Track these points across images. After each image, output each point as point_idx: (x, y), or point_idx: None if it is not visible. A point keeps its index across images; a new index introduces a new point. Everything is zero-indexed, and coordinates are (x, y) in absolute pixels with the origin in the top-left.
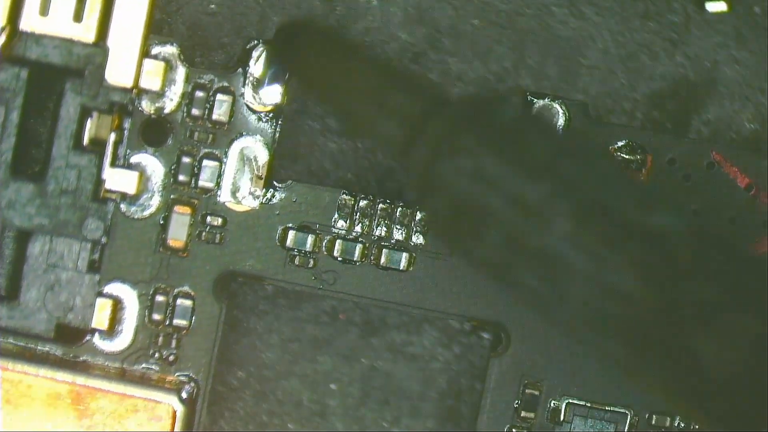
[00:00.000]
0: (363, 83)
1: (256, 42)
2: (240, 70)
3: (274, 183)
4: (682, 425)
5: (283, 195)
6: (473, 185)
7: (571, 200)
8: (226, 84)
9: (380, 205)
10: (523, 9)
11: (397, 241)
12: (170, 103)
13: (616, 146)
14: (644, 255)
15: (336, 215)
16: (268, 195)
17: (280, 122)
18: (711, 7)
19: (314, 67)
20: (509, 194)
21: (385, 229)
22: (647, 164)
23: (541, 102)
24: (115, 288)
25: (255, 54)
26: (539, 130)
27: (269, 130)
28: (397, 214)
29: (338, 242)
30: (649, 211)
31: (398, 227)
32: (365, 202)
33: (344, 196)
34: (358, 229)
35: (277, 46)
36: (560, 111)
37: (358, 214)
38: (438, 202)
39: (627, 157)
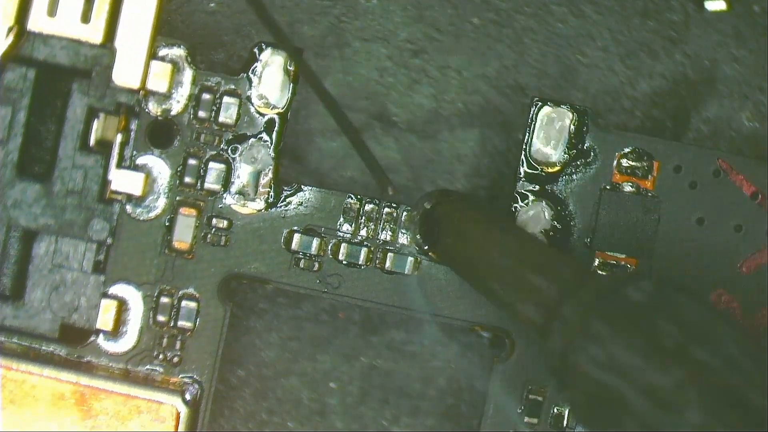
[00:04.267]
0: (501, 261)
1: (262, 44)
2: (243, 75)
3: (280, 186)
4: None
5: (289, 198)
6: (607, 375)
7: (702, 387)
8: (233, 86)
9: (385, 209)
10: (523, 7)
11: (402, 245)
12: (177, 105)
13: (622, 152)
14: None
15: (341, 219)
16: (274, 198)
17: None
18: (710, 6)
19: (455, 239)
20: (642, 383)
21: (390, 233)
22: (653, 171)
23: (547, 107)
24: (120, 289)
25: (262, 57)
26: (670, 311)
27: (275, 133)
28: (403, 218)
29: (343, 246)
30: None
31: (403, 231)
32: (371, 205)
33: (350, 199)
34: (363, 232)
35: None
36: (569, 116)
37: (363, 217)
38: (575, 391)
39: (633, 163)
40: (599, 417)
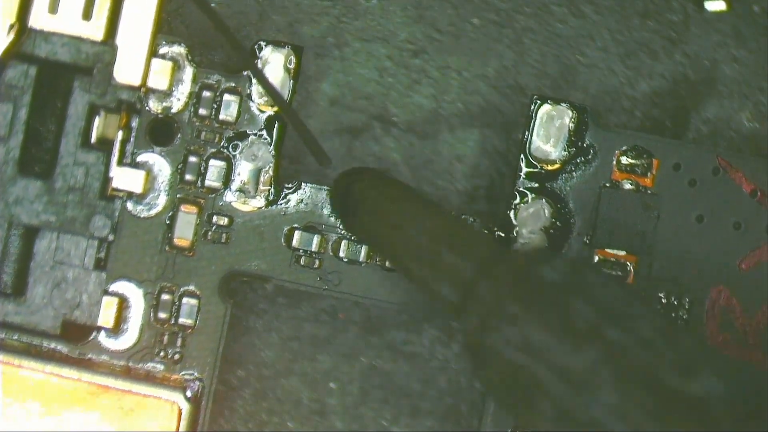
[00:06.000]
0: (417, 239)
1: (262, 43)
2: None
3: (281, 183)
4: None
5: (290, 195)
6: (521, 356)
7: (616, 368)
8: (233, 84)
9: None
10: (523, 7)
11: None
12: (177, 103)
13: (621, 150)
14: (686, 426)
15: None
16: (274, 195)
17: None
18: (710, 6)
19: (371, 217)
20: (556, 365)
21: None
22: (653, 169)
23: (547, 105)
24: (121, 286)
25: (262, 55)
26: (585, 291)
27: (276, 131)
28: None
29: (344, 243)
30: (692, 376)
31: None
32: None
33: None
34: None
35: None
36: (568, 114)
37: None
38: (490, 372)
39: (632, 161)
40: (514, 398)
